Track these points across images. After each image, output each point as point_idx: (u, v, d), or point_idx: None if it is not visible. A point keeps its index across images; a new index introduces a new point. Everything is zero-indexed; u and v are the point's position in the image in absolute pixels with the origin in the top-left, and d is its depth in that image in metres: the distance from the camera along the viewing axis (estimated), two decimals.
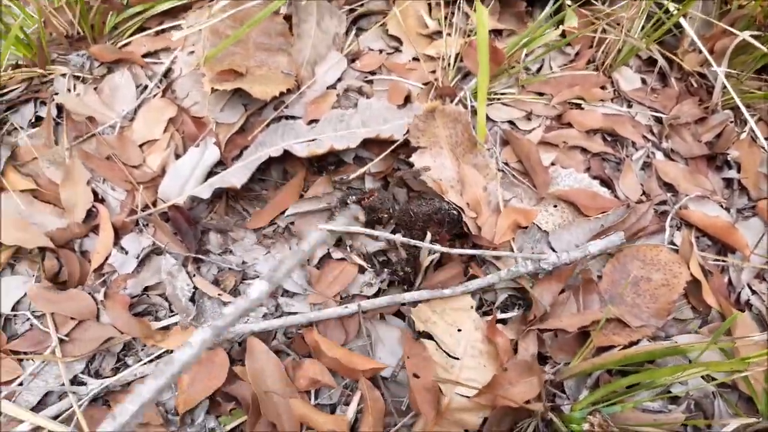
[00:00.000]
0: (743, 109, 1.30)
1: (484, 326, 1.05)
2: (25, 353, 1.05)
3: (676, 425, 0.95)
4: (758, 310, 1.12)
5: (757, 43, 1.31)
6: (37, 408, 1.02)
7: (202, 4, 1.51)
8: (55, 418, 0.99)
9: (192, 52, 1.43)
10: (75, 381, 1.04)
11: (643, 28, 1.43)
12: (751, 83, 1.41)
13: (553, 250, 1.17)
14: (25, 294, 1.11)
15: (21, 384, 1.02)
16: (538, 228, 1.19)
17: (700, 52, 1.38)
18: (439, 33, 1.47)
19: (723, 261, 1.18)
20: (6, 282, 1.12)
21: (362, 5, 1.53)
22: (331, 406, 1.04)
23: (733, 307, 1.11)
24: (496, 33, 1.53)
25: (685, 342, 1.03)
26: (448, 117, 1.22)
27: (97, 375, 1.06)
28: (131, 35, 1.48)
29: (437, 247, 1.09)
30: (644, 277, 1.11)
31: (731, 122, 1.36)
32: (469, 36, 1.44)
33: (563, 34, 1.45)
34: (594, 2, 1.50)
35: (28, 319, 1.10)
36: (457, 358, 1.02)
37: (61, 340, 1.07)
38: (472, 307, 1.07)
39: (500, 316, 1.10)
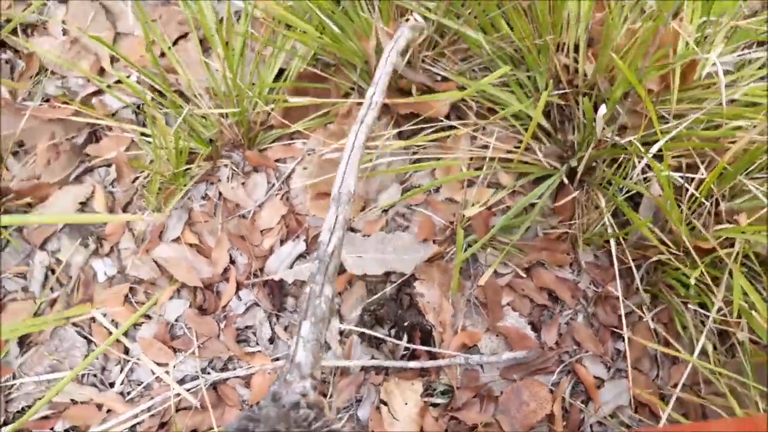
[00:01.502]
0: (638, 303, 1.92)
1: (421, 405, 1.81)
2: (178, 349, 1.96)
3: None
4: None
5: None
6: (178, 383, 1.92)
7: (323, 131, 2.27)
8: (188, 390, 1.89)
9: (306, 168, 2.21)
10: (203, 371, 1.93)
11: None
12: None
13: (481, 368, 1.90)
14: (183, 312, 2.00)
15: (174, 366, 1.92)
16: (479, 350, 1.91)
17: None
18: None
19: (582, 407, 1.84)
20: (174, 303, 2.01)
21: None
22: None
23: None
24: None
25: None
26: (441, 268, 1.94)
27: (212, 371, 1.95)
28: (271, 143, 2.28)
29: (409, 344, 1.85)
30: (525, 402, 1.81)
31: (643, 306, 1.96)
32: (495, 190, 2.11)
33: (553, 209, 2.09)
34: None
35: (182, 327, 2.00)
36: (398, 420, 1.80)
37: (198, 346, 1.95)
38: (420, 393, 1.84)
39: (435, 401, 1.86)
